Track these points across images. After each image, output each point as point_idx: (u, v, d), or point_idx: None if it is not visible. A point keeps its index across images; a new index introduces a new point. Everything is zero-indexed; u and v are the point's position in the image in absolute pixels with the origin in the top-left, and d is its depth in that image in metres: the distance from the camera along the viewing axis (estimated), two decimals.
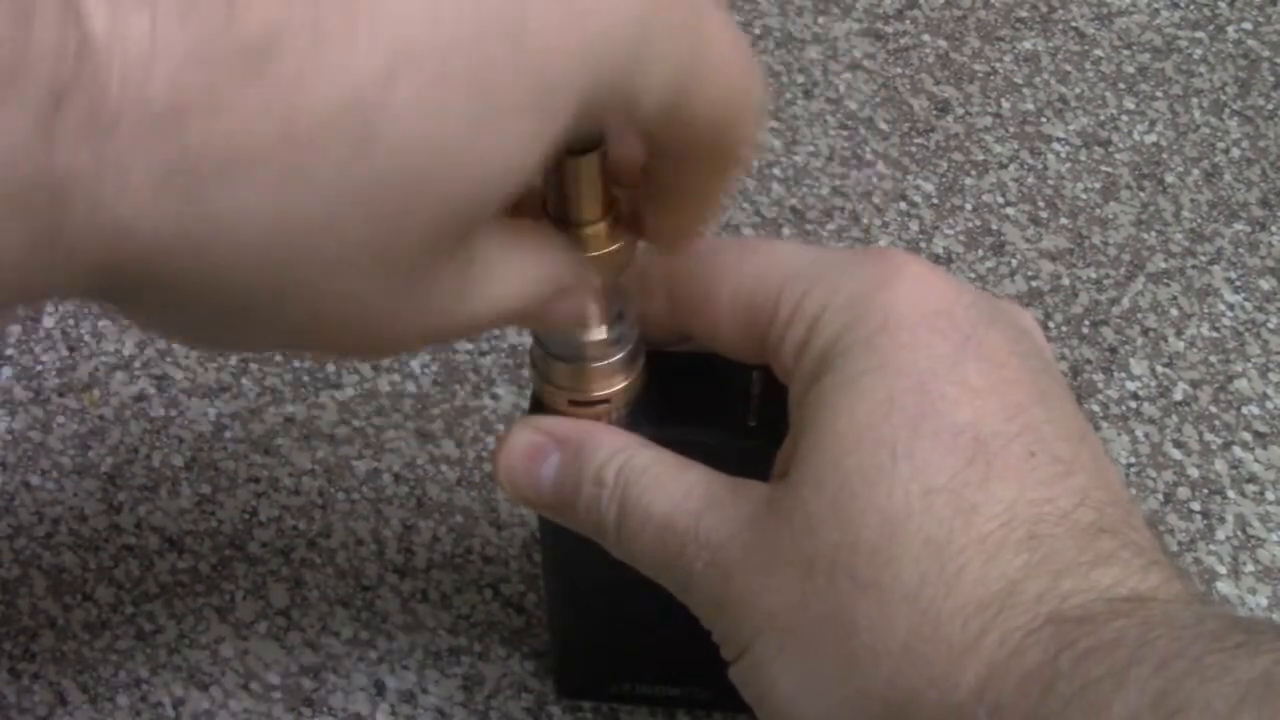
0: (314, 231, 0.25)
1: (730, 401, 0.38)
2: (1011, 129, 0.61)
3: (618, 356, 0.36)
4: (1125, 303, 0.55)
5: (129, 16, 0.22)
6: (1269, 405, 0.52)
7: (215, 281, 0.25)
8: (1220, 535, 0.49)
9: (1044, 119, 0.62)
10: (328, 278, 0.26)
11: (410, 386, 0.52)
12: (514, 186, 0.26)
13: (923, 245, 0.57)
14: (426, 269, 0.27)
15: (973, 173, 0.60)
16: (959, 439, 0.32)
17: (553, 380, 0.37)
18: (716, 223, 0.36)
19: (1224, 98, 0.63)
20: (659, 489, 0.35)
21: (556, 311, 0.32)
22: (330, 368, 0.53)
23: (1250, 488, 0.50)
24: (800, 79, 0.63)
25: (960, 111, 0.62)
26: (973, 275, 0.56)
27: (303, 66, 0.23)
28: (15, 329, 0.54)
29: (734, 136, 0.30)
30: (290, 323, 0.27)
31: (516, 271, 0.30)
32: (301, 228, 0.25)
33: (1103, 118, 0.62)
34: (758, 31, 0.65)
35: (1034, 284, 0.56)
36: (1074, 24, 0.66)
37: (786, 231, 0.57)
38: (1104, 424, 0.52)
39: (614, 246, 0.33)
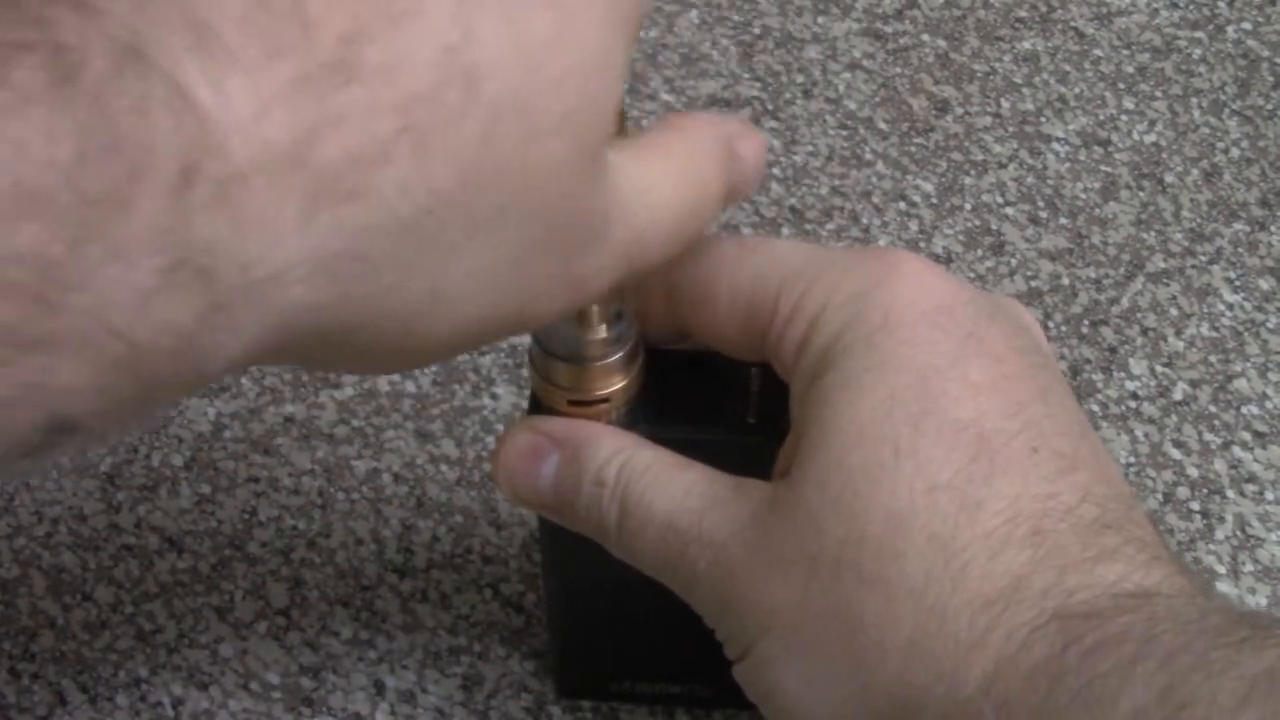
0: (462, 186, 0.26)
1: (730, 399, 0.38)
2: (1011, 129, 0.61)
3: (617, 356, 0.36)
4: (1125, 302, 0.55)
5: (226, 77, 0.23)
6: (1268, 405, 0.52)
7: (380, 285, 0.26)
8: (1220, 535, 0.49)
9: (1043, 119, 0.62)
10: (489, 229, 0.27)
11: (410, 386, 0.53)
12: (616, 71, 0.28)
13: (922, 245, 0.57)
14: (598, 165, 0.28)
15: (972, 172, 0.60)
16: (961, 435, 0.32)
17: (552, 380, 0.37)
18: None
19: (1223, 98, 0.63)
20: (660, 488, 0.35)
21: (744, 164, 0.33)
22: None
23: (1250, 487, 0.50)
24: (800, 79, 0.63)
25: (960, 111, 0.62)
26: (972, 275, 0.56)
27: (388, 53, 0.24)
28: None
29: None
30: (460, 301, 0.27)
31: (684, 141, 0.32)
32: (451, 188, 0.25)
33: (1102, 117, 0.62)
34: (757, 31, 0.65)
35: (1033, 284, 0.56)
36: (1073, 24, 0.66)
37: (786, 231, 0.57)
38: (1103, 424, 0.52)
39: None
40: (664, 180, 0.31)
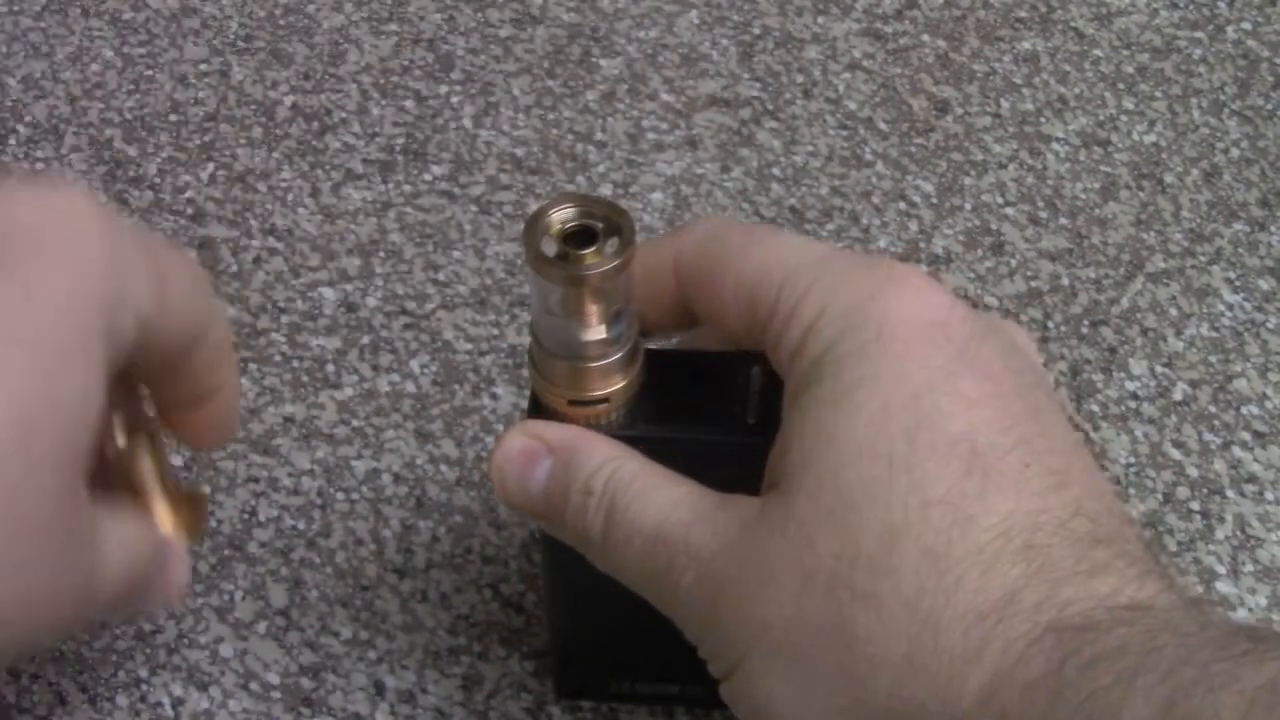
0: None
1: (729, 399, 0.38)
2: (1011, 129, 0.61)
3: (616, 356, 0.36)
4: (1125, 303, 0.55)
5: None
6: (1268, 405, 0.52)
7: None
8: (1220, 535, 0.49)
9: (1043, 119, 0.62)
10: None
11: (410, 386, 0.53)
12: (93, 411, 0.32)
13: (922, 245, 0.57)
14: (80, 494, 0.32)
15: (972, 173, 0.60)
16: (955, 450, 0.32)
17: (552, 380, 0.37)
18: (236, 422, 0.41)
19: (1223, 98, 0.63)
20: (647, 499, 0.35)
21: (159, 582, 0.37)
22: (330, 367, 0.53)
23: (1249, 487, 0.50)
24: (800, 79, 0.63)
25: (959, 111, 0.62)
26: (972, 275, 0.56)
27: None
28: None
29: (202, 337, 0.36)
30: None
31: (133, 535, 0.36)
32: None
33: (1102, 118, 0.62)
34: (757, 31, 0.65)
35: (1033, 284, 0.56)
36: (1073, 24, 0.66)
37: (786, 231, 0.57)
38: (1104, 424, 0.52)
39: (187, 541, 0.39)
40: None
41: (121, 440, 0.38)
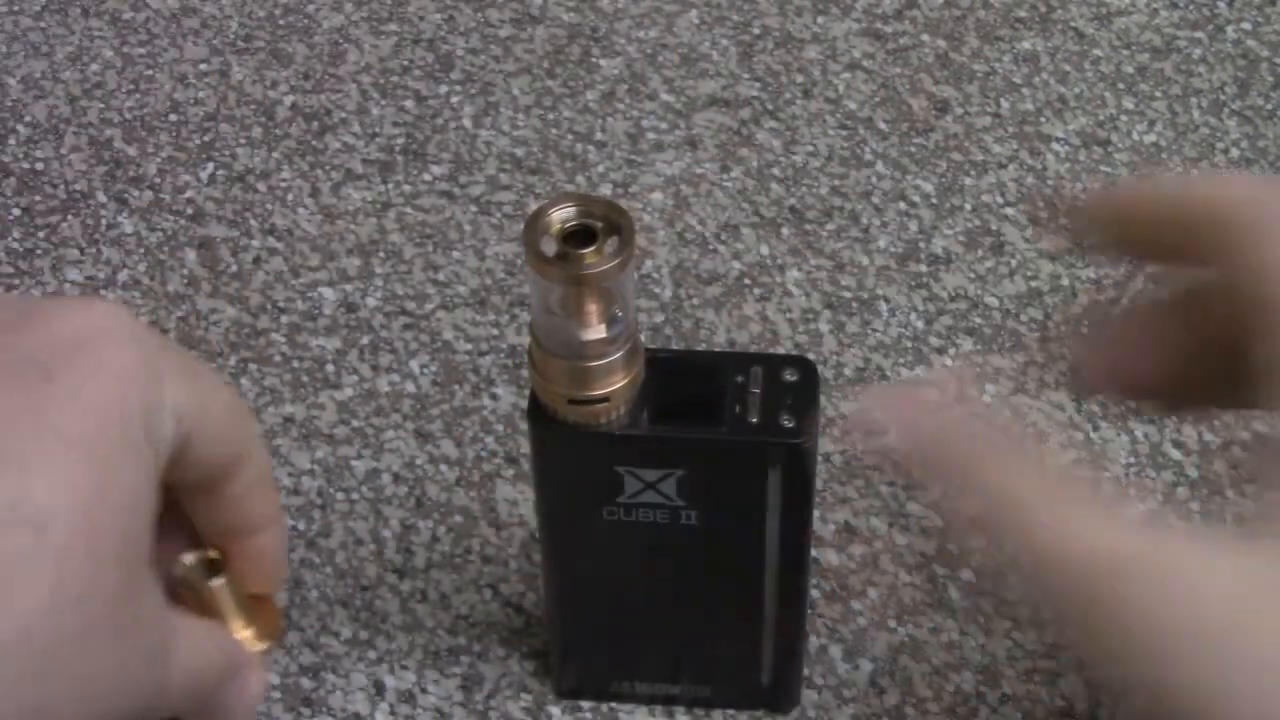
0: (46, 615, 0.31)
1: (730, 399, 0.38)
2: (1011, 129, 0.61)
3: (616, 355, 0.36)
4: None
5: None
6: None
7: None
8: None
9: (1043, 119, 0.62)
10: None
11: (409, 386, 0.53)
12: (148, 504, 0.34)
13: (922, 245, 0.57)
14: (148, 582, 0.34)
15: (972, 173, 0.60)
16: None
17: (551, 379, 0.37)
18: (284, 566, 0.42)
19: (1223, 98, 0.63)
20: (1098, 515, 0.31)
21: (236, 690, 0.38)
22: (330, 367, 0.53)
23: (1250, 488, 0.50)
24: (799, 79, 0.63)
25: (959, 111, 0.62)
26: (972, 275, 0.56)
27: None
28: None
29: (242, 461, 0.37)
30: None
31: (204, 638, 0.37)
32: (36, 619, 0.31)
33: (1102, 117, 0.62)
34: (757, 31, 0.65)
35: (1033, 284, 0.56)
36: (1073, 24, 0.66)
37: (785, 231, 0.57)
38: (1103, 424, 0.52)
39: (263, 646, 0.40)
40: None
41: (189, 559, 0.40)
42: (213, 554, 0.41)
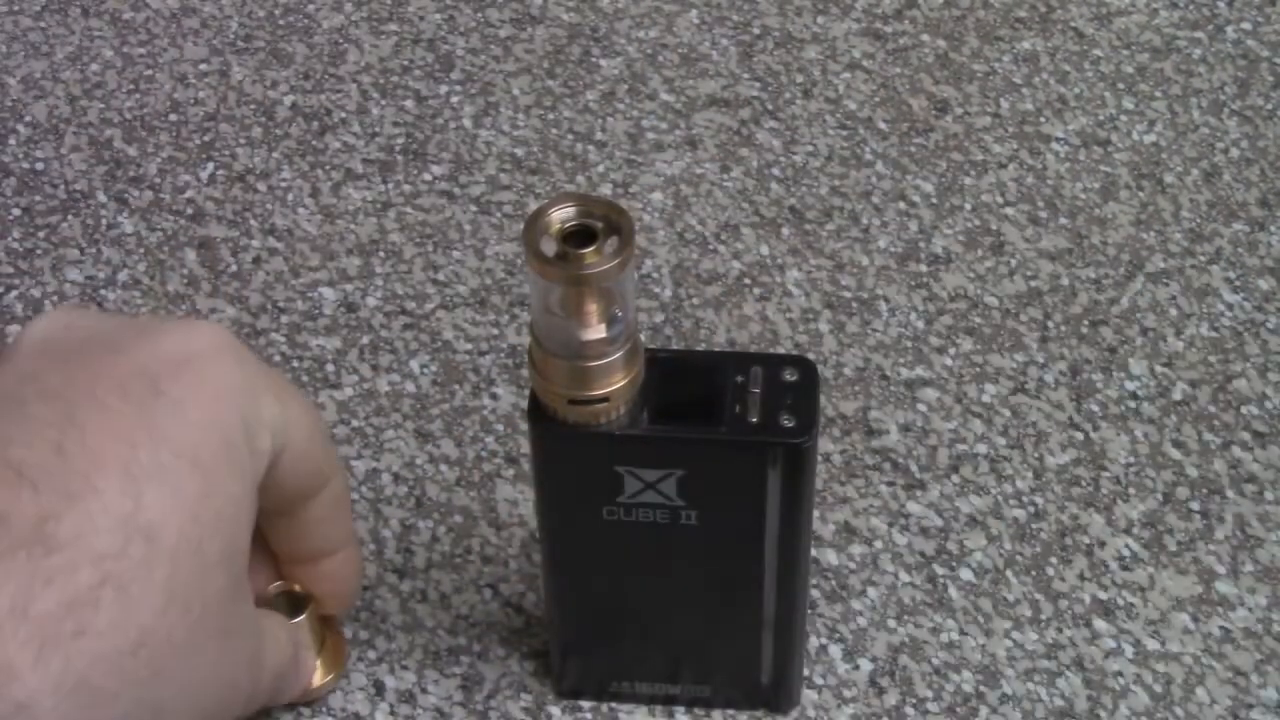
0: (162, 616, 0.34)
1: (730, 399, 0.38)
2: (1010, 129, 0.61)
3: (616, 355, 0.36)
4: (1124, 302, 0.55)
5: None
6: (1268, 405, 0.52)
7: (116, 710, 0.33)
8: (1219, 535, 0.49)
9: (1043, 119, 0.62)
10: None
11: (409, 386, 0.53)
12: (247, 514, 0.37)
13: (922, 245, 0.57)
14: (246, 589, 0.37)
15: (972, 172, 0.60)
16: None
17: (551, 379, 0.37)
18: (359, 583, 0.44)
19: (1223, 98, 0.63)
20: None
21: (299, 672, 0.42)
22: (330, 367, 0.53)
23: (1249, 487, 0.50)
24: (799, 79, 0.63)
25: (959, 111, 0.62)
26: (972, 275, 0.56)
27: (75, 526, 0.32)
28: (16, 329, 0.54)
29: (325, 482, 0.40)
30: None
31: (283, 636, 0.41)
32: (153, 621, 0.34)
33: (1102, 117, 0.62)
34: (757, 31, 0.65)
35: (1033, 284, 0.56)
36: (1073, 24, 0.66)
37: (785, 231, 0.57)
38: (1103, 424, 0.52)
39: (330, 678, 0.44)
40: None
41: (274, 588, 0.42)
42: (296, 587, 0.43)
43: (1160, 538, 0.49)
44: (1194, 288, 0.56)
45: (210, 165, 0.60)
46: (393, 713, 0.45)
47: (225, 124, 0.61)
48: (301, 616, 0.43)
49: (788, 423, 0.37)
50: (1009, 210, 0.58)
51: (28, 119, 0.62)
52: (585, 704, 0.45)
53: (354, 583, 0.43)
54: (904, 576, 0.48)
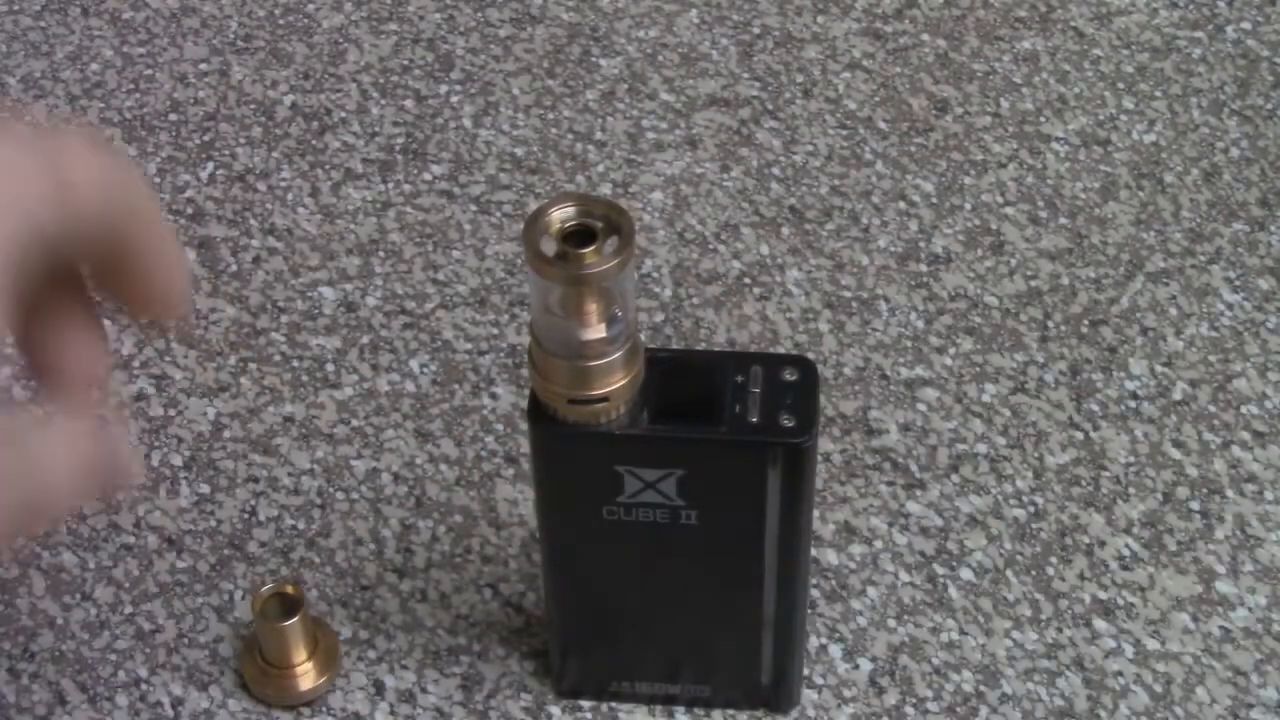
0: None
1: (730, 398, 0.38)
2: (1010, 128, 0.61)
3: (616, 355, 0.36)
4: (1124, 302, 0.55)
5: None
6: (1268, 405, 0.52)
7: None
8: (1219, 535, 0.49)
9: (1043, 118, 0.62)
10: None
11: (409, 386, 0.53)
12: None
13: (922, 245, 0.57)
14: None
15: (972, 172, 0.60)
16: None
17: (551, 379, 0.37)
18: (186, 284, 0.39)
19: (1223, 97, 0.63)
20: None
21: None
22: (330, 367, 0.53)
23: (1249, 487, 0.50)
24: (799, 78, 0.63)
25: (959, 111, 0.62)
26: (972, 275, 0.56)
27: None
28: None
29: (134, 215, 0.36)
30: None
31: (75, 427, 0.35)
32: None
33: (1102, 117, 0.62)
34: (757, 31, 0.65)
35: (1033, 283, 0.56)
36: (1073, 23, 0.66)
37: (785, 231, 0.57)
38: (1103, 423, 0.52)
39: (324, 679, 0.44)
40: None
41: (264, 591, 0.44)
42: (289, 589, 0.43)
43: (1160, 537, 0.49)
44: (1194, 287, 0.56)
45: (210, 165, 0.60)
46: (392, 712, 0.45)
47: (225, 124, 0.61)
48: (294, 619, 0.43)
49: (788, 422, 0.37)
50: (1009, 210, 0.58)
51: (27, 119, 0.62)
52: (585, 704, 0.45)
53: (183, 280, 0.39)
54: (904, 576, 0.48)
